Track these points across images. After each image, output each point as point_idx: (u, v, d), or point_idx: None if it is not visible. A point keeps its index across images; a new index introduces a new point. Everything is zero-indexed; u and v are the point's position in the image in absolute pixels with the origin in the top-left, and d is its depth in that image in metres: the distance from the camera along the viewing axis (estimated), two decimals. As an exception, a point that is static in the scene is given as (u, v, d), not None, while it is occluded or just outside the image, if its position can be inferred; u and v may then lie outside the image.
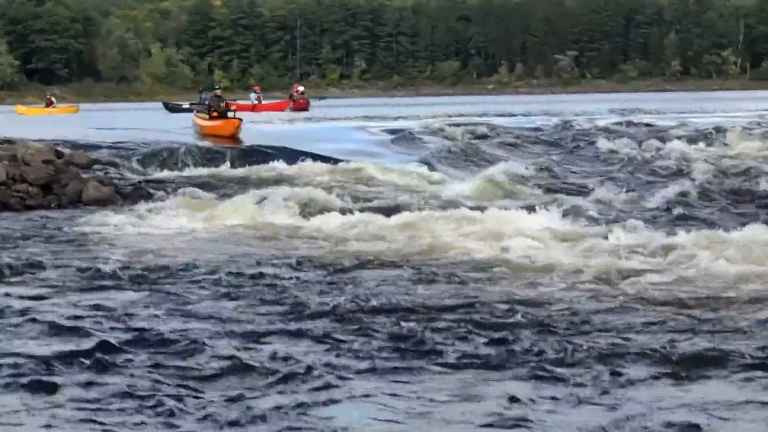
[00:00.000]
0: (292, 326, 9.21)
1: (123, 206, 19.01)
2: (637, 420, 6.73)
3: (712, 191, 19.68)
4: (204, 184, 21.26)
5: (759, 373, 7.67)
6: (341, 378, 7.63)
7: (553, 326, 9.08)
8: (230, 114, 30.43)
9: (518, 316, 9.44)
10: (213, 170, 24.13)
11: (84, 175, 21.35)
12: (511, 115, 49.71)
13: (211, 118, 30.32)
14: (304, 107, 63.71)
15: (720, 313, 9.60)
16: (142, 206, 18.38)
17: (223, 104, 30.75)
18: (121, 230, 15.82)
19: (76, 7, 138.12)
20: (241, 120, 30.11)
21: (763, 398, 7.12)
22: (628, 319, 9.39)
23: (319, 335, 8.84)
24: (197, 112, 33.12)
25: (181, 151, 26.10)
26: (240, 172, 23.88)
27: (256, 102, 64.51)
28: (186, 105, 65.43)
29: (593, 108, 57.59)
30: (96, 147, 25.79)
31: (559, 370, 7.76)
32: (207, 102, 32.06)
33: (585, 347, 8.32)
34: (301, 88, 69.84)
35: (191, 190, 20.11)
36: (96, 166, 23.30)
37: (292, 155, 25.85)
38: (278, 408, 6.95)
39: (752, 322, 9.16)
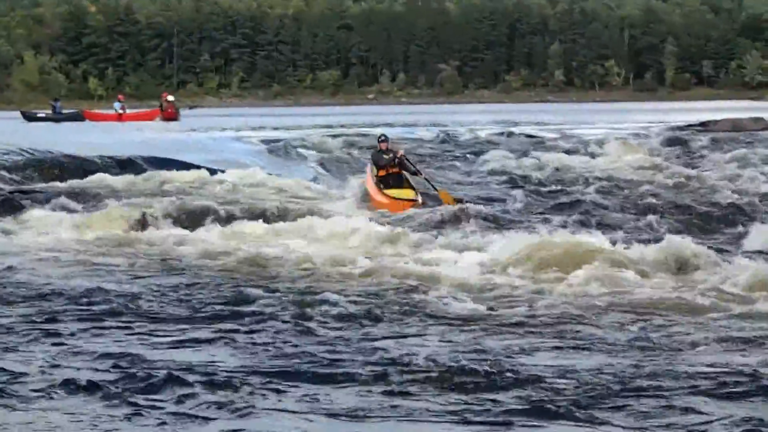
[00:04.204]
0: (181, 339, 8.85)
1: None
2: None
3: (590, 201, 19.72)
4: (78, 195, 20.66)
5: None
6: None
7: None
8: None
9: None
10: (86, 181, 23.57)
11: (-51, 187, 20.54)
12: (392, 125, 49.87)
13: (380, 179, 20.79)
14: (173, 117, 62.74)
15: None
16: (12, 219, 17.74)
17: (389, 156, 21.00)
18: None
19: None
20: (416, 191, 20.31)
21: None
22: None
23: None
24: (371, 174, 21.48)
25: (54, 161, 25.45)
26: (114, 182, 23.40)
27: (121, 111, 63.13)
28: (42, 114, 64.24)
29: (475, 119, 58.21)
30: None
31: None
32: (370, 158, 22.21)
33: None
34: (170, 97, 68.69)
35: (64, 201, 19.48)
36: (-38, 178, 22.45)
37: (164, 165, 25.54)
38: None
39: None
